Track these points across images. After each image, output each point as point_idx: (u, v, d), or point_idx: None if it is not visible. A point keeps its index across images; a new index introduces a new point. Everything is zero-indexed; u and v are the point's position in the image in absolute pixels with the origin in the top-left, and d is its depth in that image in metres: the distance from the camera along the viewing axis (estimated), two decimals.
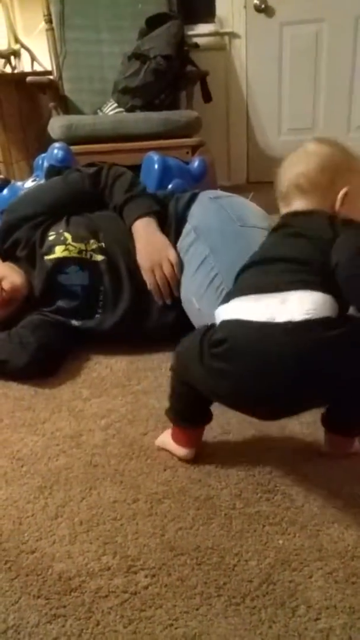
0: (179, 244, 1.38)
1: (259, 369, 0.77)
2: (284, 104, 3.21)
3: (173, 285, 1.34)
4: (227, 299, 0.88)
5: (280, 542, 0.81)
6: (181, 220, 1.40)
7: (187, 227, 1.38)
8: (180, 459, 0.99)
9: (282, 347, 0.76)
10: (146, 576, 0.77)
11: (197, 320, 1.30)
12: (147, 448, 1.04)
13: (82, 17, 2.80)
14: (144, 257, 1.35)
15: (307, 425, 1.06)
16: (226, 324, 0.83)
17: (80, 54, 2.80)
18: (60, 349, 1.36)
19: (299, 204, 0.94)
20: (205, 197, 1.44)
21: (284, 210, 0.98)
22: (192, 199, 1.44)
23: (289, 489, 0.91)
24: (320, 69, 3.11)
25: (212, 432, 1.06)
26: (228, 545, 0.81)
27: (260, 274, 0.87)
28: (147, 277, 1.34)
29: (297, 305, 0.76)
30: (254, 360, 0.78)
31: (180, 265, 1.34)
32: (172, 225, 1.40)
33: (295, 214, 0.94)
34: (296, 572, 0.76)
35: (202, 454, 1.00)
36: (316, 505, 0.87)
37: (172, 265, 1.33)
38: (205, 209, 1.41)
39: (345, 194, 0.91)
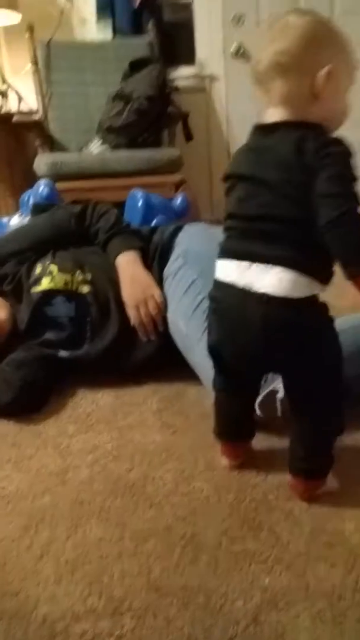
0: (166, 269, 1.41)
1: (235, 327, 0.89)
2: None
3: (158, 323, 1.36)
4: (220, 253, 0.94)
5: (267, 581, 0.81)
6: (168, 247, 1.43)
7: (176, 253, 1.41)
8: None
9: (254, 313, 0.85)
10: (132, 618, 0.77)
11: (183, 343, 1.32)
12: (132, 485, 1.04)
13: (67, 60, 2.89)
14: (128, 294, 1.37)
15: None
16: (217, 283, 0.93)
17: (66, 95, 2.88)
18: (45, 385, 1.36)
19: (278, 87, 0.86)
20: (192, 227, 1.49)
21: (262, 97, 0.91)
22: (179, 228, 1.48)
23: (274, 526, 0.91)
24: None
25: (197, 469, 1.07)
26: (214, 585, 0.81)
27: (241, 237, 0.90)
28: (131, 314, 1.36)
29: (275, 281, 0.83)
30: (232, 319, 0.90)
31: (165, 301, 1.36)
32: (157, 252, 1.44)
33: (264, 131, 0.91)
34: (283, 613, 0.76)
35: (187, 491, 1.01)
36: (302, 542, 0.88)
37: (157, 303, 1.35)
38: (194, 236, 1.46)
39: (329, 73, 0.83)
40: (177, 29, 3.30)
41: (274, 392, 1.09)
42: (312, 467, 0.95)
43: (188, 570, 0.84)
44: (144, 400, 1.33)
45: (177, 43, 3.29)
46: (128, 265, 1.40)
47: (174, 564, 0.85)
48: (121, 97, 2.54)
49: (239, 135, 3.30)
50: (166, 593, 0.80)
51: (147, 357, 1.39)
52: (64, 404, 1.34)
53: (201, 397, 1.32)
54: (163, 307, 1.36)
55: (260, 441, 1.13)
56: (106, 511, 0.97)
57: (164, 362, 1.40)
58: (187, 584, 0.81)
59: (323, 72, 0.84)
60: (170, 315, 1.36)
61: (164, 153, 2.50)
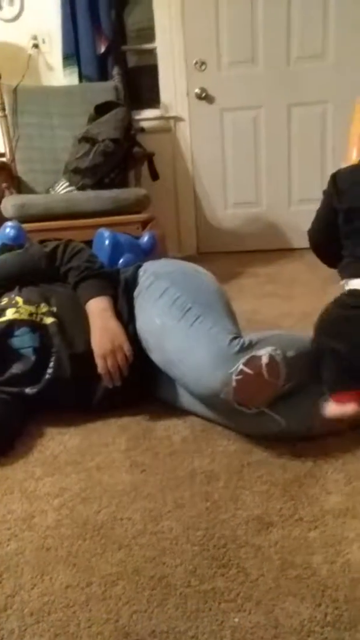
0: (136, 291, 1.43)
1: None
2: (229, 180, 3.40)
3: (124, 372, 1.37)
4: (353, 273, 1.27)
5: (236, 620, 0.80)
6: (132, 280, 1.45)
7: (144, 277, 1.43)
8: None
9: None
10: None
11: (157, 337, 1.32)
12: (100, 527, 1.02)
13: (34, 105, 2.95)
14: (98, 343, 1.37)
15: (258, 495, 1.07)
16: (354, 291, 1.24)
17: (33, 137, 2.93)
18: (11, 429, 1.34)
19: None
20: (155, 261, 1.52)
21: None
22: (140, 265, 1.51)
23: (243, 562, 0.91)
24: (260, 148, 3.34)
25: (165, 507, 1.06)
26: (184, 628, 0.79)
27: None
28: (99, 363, 1.36)
29: None
30: None
31: (132, 353, 1.37)
32: (123, 287, 1.45)
33: None
34: None
35: (156, 531, 0.99)
36: (270, 577, 0.87)
37: (125, 354, 1.36)
38: (158, 263, 1.51)
39: None
40: (142, 73, 3.41)
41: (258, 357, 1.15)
42: None
43: (157, 614, 0.82)
44: (112, 440, 1.32)
45: (142, 86, 3.39)
46: (99, 313, 1.41)
47: (143, 608, 0.83)
48: (87, 139, 2.59)
49: (204, 173, 3.39)
50: (135, 639, 0.78)
51: (113, 389, 1.38)
52: (31, 446, 1.32)
53: (170, 434, 1.32)
54: (131, 359, 1.37)
55: (229, 476, 1.14)
56: (73, 556, 0.96)
57: (130, 394, 1.41)
58: (157, 628, 0.80)
59: None
60: (142, 319, 1.37)
61: (130, 192, 2.55)
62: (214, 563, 0.91)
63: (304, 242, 3.35)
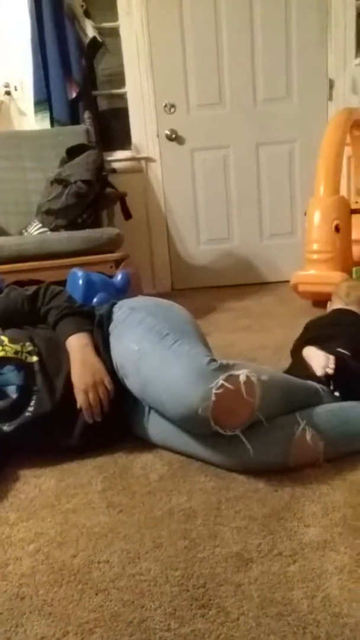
0: (112, 326, 1.44)
1: None
2: (201, 218, 3.47)
3: (105, 407, 1.36)
4: None
5: None
6: (107, 317, 1.46)
7: (119, 312, 1.45)
8: None
9: None
10: None
11: (135, 362, 1.32)
12: (77, 572, 1.00)
13: (7, 149, 3.00)
14: (78, 378, 1.37)
15: (237, 531, 1.06)
16: None
17: (6, 180, 2.97)
18: None
19: None
20: (129, 299, 1.54)
21: None
22: (115, 303, 1.52)
23: (223, 602, 0.89)
24: (230, 186, 3.42)
25: (143, 548, 1.04)
26: None
27: None
28: (80, 397, 1.35)
29: None
30: None
31: (114, 384, 1.37)
32: (97, 324, 1.46)
33: None
34: None
35: (134, 573, 0.97)
36: (251, 616, 0.86)
37: (106, 389, 1.36)
38: (136, 298, 1.54)
39: None
40: (113, 116, 3.50)
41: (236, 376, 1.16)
42: None
43: None
44: (88, 481, 1.30)
45: (113, 129, 3.48)
46: (79, 348, 1.41)
47: None
48: (59, 181, 2.63)
49: (176, 211, 3.45)
50: None
51: (92, 425, 1.37)
52: (5, 490, 1.29)
53: (147, 472, 1.31)
54: (112, 393, 1.37)
55: (207, 513, 1.12)
56: (49, 604, 0.93)
57: (109, 431, 1.40)
58: None
59: None
60: (120, 348, 1.37)
61: (103, 232, 2.58)
62: (193, 603, 0.89)
63: (276, 276, 3.47)
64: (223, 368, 1.18)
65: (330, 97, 3.29)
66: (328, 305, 1.97)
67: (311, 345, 1.51)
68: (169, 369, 1.23)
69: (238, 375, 1.16)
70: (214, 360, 1.21)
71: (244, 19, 3.20)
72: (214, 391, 1.14)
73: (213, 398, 1.14)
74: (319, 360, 1.41)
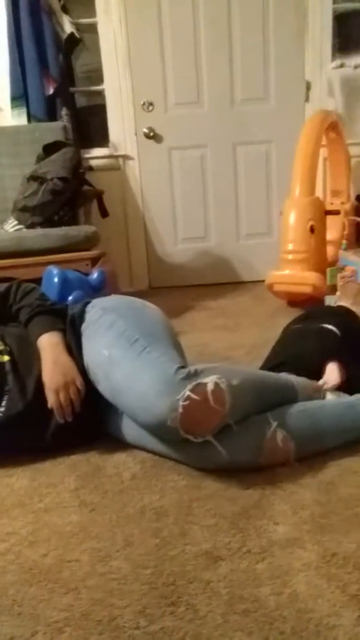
0: (84, 325, 1.43)
1: None
2: (178, 216, 3.48)
3: (76, 407, 1.36)
4: None
5: None
6: (80, 316, 1.46)
7: (92, 312, 1.44)
8: None
9: None
10: None
11: (104, 367, 1.33)
12: (47, 571, 1.00)
13: None
14: (49, 377, 1.36)
15: (207, 529, 1.07)
16: None
17: None
18: None
19: None
20: (104, 297, 1.54)
21: None
22: (88, 302, 1.52)
23: (192, 599, 0.90)
24: (207, 185, 3.44)
25: (114, 546, 1.05)
26: None
27: None
28: (50, 397, 1.35)
29: None
30: None
31: (86, 383, 1.37)
32: (69, 323, 1.45)
33: None
34: None
35: (104, 572, 0.98)
36: (219, 612, 0.87)
37: (77, 388, 1.36)
38: (109, 298, 1.53)
39: None
40: (91, 113, 3.48)
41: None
42: None
43: None
44: (61, 480, 1.30)
45: (91, 126, 3.46)
46: (51, 348, 1.40)
47: None
48: (36, 178, 2.61)
49: (154, 209, 3.45)
50: None
51: (64, 425, 1.37)
52: None
53: (120, 471, 1.31)
54: (83, 392, 1.37)
55: (178, 511, 1.14)
56: (19, 604, 0.93)
57: (82, 430, 1.40)
58: None
59: None
60: (91, 351, 1.37)
61: (79, 230, 2.57)
62: (162, 601, 0.90)
63: (252, 276, 3.49)
64: (191, 376, 1.18)
65: (307, 99, 3.33)
66: (334, 300, 2.04)
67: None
68: (137, 379, 1.23)
69: (206, 384, 1.17)
70: (182, 367, 1.22)
71: (222, 20, 3.21)
72: (180, 403, 1.15)
73: (180, 410, 1.15)
74: (325, 377, 1.47)
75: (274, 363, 1.56)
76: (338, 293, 2.03)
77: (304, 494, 1.17)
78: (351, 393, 1.43)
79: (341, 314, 1.79)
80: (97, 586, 0.95)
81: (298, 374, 1.46)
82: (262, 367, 1.62)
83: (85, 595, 0.93)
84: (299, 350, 1.57)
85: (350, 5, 3.25)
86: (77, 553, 1.04)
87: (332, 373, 1.45)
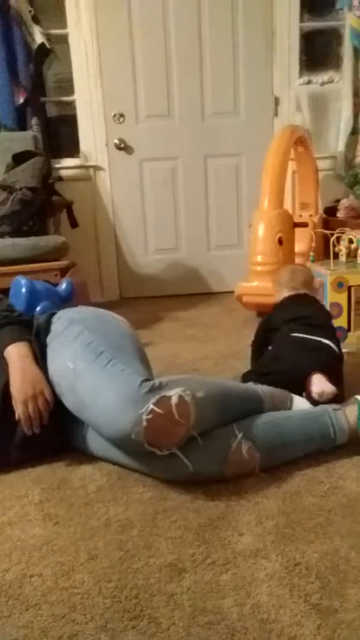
0: (49, 337, 1.42)
1: None
2: (149, 227, 3.49)
3: (44, 419, 1.35)
4: None
5: None
6: (46, 327, 1.44)
7: (59, 322, 1.43)
8: None
9: None
10: None
11: (69, 380, 1.31)
12: (8, 587, 0.98)
13: None
14: (18, 389, 1.34)
15: (172, 541, 1.07)
16: None
17: None
18: None
19: None
20: (71, 308, 1.53)
21: None
22: (54, 313, 1.50)
23: (155, 612, 0.90)
24: (178, 197, 3.46)
25: (78, 560, 1.03)
26: None
27: None
28: (19, 409, 1.33)
29: None
30: None
31: (53, 395, 1.36)
32: (35, 333, 1.44)
33: None
34: None
35: (67, 586, 0.96)
36: (182, 625, 0.86)
37: (46, 400, 1.35)
38: (76, 309, 1.52)
39: None
40: (62, 123, 3.47)
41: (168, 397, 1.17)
42: None
43: None
44: (25, 492, 1.28)
45: (61, 136, 3.45)
46: (19, 358, 1.38)
47: None
48: (4, 187, 2.59)
49: (125, 220, 3.46)
50: None
51: (31, 437, 1.35)
52: None
53: (85, 483, 1.30)
54: (52, 404, 1.35)
55: (143, 523, 1.13)
56: None
57: (48, 442, 1.39)
58: None
59: None
60: (56, 363, 1.36)
61: (48, 240, 2.55)
62: (125, 615, 0.89)
63: (222, 286, 3.52)
64: (155, 390, 1.18)
65: (276, 114, 3.39)
66: (275, 298, 1.97)
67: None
68: (101, 393, 1.23)
69: (170, 397, 1.17)
70: (147, 380, 1.22)
71: (193, 35, 3.25)
72: (144, 417, 1.15)
73: (144, 423, 1.15)
74: (320, 387, 1.46)
75: (270, 370, 1.59)
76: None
77: (269, 505, 1.17)
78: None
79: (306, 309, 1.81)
80: (59, 601, 0.94)
81: (290, 386, 1.50)
82: (251, 370, 1.68)
83: (46, 612, 0.92)
84: (297, 365, 1.56)
85: (316, 25, 3.33)
86: (40, 567, 1.02)
87: (322, 383, 1.46)
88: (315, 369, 1.51)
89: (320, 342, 1.63)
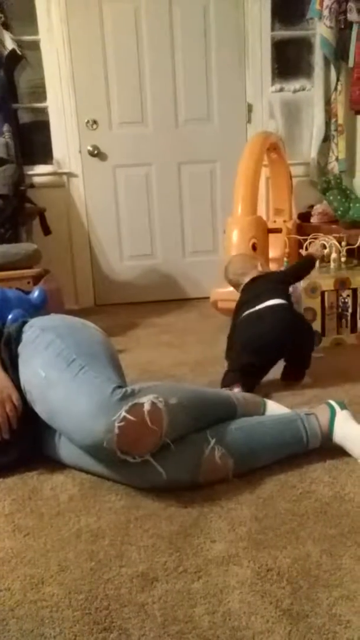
0: (21, 346, 1.40)
1: None
2: (124, 234, 3.47)
3: (13, 424, 1.32)
4: None
5: None
6: (17, 336, 1.42)
7: (30, 330, 1.41)
8: None
9: None
10: None
11: (40, 388, 1.30)
12: None
13: None
14: None
15: (144, 549, 1.05)
16: None
17: None
18: None
19: None
20: (43, 316, 1.51)
21: None
22: (25, 321, 1.48)
23: (125, 623, 0.88)
24: (153, 203, 3.46)
25: (48, 572, 1.01)
26: None
27: None
28: None
29: None
30: None
31: (23, 402, 1.34)
32: (4, 342, 1.42)
33: None
34: None
35: (36, 599, 0.95)
36: (152, 636, 0.85)
37: (14, 405, 1.32)
38: (48, 317, 1.51)
39: None
40: (35, 130, 3.44)
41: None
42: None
43: None
44: None
45: (34, 143, 3.42)
46: None
47: None
48: None
49: (99, 227, 3.44)
50: None
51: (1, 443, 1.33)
52: None
53: (57, 493, 1.28)
54: (20, 409, 1.33)
55: (115, 532, 1.11)
56: None
57: (18, 450, 1.37)
58: None
59: None
60: (28, 371, 1.34)
61: (20, 247, 2.53)
62: (95, 628, 0.88)
63: (198, 292, 3.52)
64: (127, 397, 1.18)
65: (249, 121, 3.41)
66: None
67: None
68: (73, 401, 1.21)
69: (142, 404, 1.16)
70: (119, 387, 1.21)
71: (165, 42, 3.26)
72: (116, 424, 1.14)
73: (116, 431, 1.14)
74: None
75: (235, 351, 1.76)
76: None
77: (242, 511, 1.17)
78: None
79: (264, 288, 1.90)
80: (27, 615, 0.92)
81: (260, 356, 1.68)
82: (228, 369, 1.77)
83: (13, 627, 0.89)
84: (257, 330, 1.74)
85: (287, 33, 3.37)
86: (9, 581, 1.00)
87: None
88: (270, 333, 1.71)
89: (267, 305, 1.77)
